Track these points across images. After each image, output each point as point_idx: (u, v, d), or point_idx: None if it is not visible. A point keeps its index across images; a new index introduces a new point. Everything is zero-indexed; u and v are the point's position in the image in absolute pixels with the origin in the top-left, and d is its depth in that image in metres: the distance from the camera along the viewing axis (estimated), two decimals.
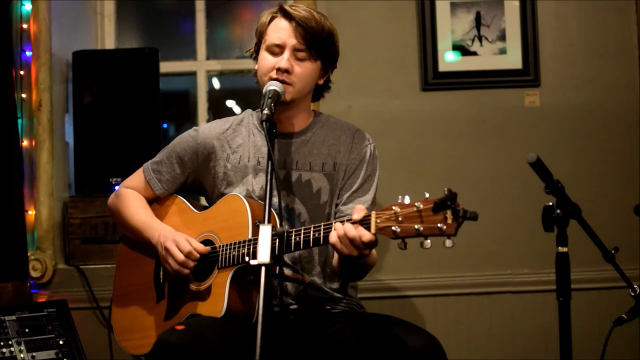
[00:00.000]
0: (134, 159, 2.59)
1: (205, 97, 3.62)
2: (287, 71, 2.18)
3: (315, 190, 2.26)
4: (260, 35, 2.27)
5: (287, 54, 2.19)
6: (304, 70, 2.22)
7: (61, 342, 2.82)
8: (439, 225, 1.66)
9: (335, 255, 2.09)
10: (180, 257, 2.13)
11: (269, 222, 1.85)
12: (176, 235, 2.18)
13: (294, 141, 2.30)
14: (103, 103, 3.20)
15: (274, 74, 2.18)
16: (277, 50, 2.21)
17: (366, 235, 1.81)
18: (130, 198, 2.38)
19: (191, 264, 2.14)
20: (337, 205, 2.27)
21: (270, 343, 1.73)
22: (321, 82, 2.32)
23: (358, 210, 1.87)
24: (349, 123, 2.39)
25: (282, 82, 2.18)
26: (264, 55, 2.23)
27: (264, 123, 2.02)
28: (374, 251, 2.04)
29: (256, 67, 2.30)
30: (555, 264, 1.83)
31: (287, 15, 2.21)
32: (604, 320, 2.48)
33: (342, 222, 1.87)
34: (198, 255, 2.14)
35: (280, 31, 2.21)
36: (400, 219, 1.73)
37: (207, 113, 3.62)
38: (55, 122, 3.29)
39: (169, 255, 2.15)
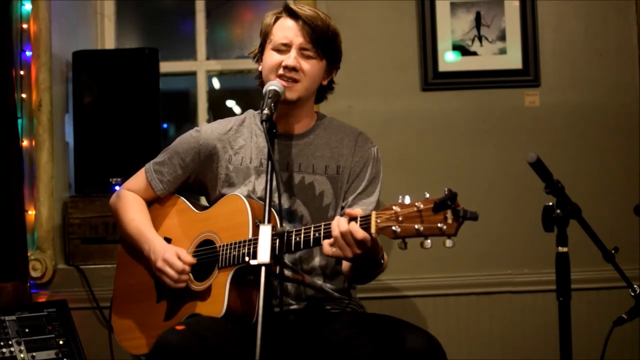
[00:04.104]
0: (134, 159, 2.59)
1: (205, 97, 3.62)
2: (294, 69, 2.18)
3: (318, 193, 2.26)
4: (265, 36, 2.27)
5: (294, 52, 2.20)
6: (311, 67, 2.22)
7: (61, 342, 2.81)
8: (439, 225, 1.66)
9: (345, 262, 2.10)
10: (175, 276, 2.14)
11: (269, 222, 1.85)
12: (166, 252, 2.17)
13: (297, 143, 2.30)
14: (103, 103, 3.20)
15: (280, 72, 2.19)
16: (283, 48, 2.21)
17: (359, 233, 1.82)
18: (130, 202, 2.38)
19: (185, 277, 2.15)
20: (342, 208, 2.27)
21: (270, 343, 1.73)
22: (325, 82, 2.32)
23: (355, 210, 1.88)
24: (351, 126, 2.39)
25: (289, 79, 2.18)
26: (270, 54, 2.23)
27: (263, 123, 2.02)
28: (385, 256, 2.05)
29: (259, 68, 2.30)
30: (555, 264, 1.83)
31: (293, 15, 2.22)
32: (604, 320, 2.47)
33: None
34: (189, 269, 2.15)
35: (287, 30, 2.21)
36: (400, 218, 1.73)
37: (207, 113, 3.62)
38: (55, 122, 3.29)
39: (163, 274, 2.16)
